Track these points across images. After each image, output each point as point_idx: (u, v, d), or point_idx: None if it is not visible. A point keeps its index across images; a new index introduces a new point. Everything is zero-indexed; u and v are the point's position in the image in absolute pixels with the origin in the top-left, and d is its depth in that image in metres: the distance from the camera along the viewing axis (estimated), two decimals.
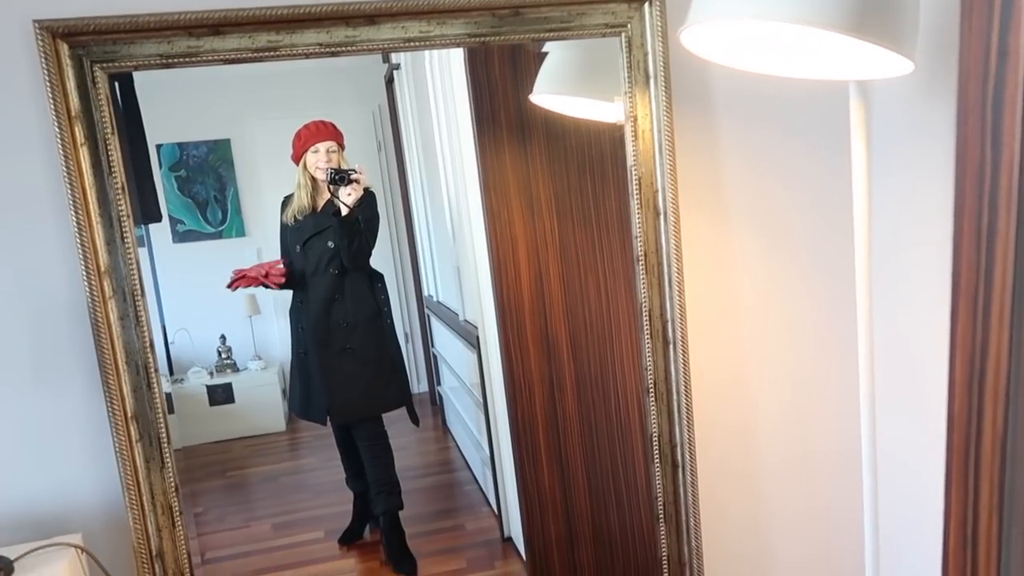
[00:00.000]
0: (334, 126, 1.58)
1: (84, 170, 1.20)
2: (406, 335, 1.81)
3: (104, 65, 1.20)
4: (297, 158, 1.59)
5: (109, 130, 1.21)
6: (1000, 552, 0.63)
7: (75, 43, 1.19)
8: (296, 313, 1.65)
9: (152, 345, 1.26)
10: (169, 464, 1.28)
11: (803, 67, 1.24)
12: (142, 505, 1.26)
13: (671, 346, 1.46)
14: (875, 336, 1.54)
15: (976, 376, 0.62)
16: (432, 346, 1.87)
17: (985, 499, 0.63)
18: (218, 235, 1.68)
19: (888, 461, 1.60)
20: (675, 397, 1.48)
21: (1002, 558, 0.63)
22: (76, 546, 1.22)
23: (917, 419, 1.52)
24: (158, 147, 1.61)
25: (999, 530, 0.63)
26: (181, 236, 1.66)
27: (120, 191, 1.22)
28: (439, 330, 1.84)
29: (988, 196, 0.59)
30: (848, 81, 1.21)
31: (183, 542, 1.30)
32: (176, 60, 1.23)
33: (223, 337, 1.73)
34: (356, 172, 1.57)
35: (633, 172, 1.42)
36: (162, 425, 1.27)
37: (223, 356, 1.74)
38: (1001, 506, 0.62)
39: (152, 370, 1.25)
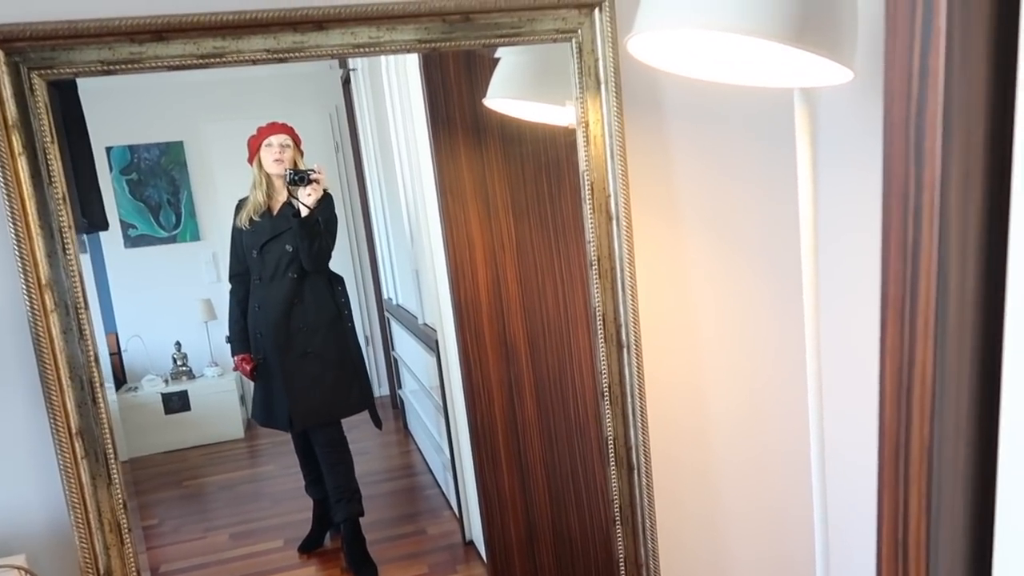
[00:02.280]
0: (287, 124, 1.56)
1: (23, 180, 1.17)
2: (366, 338, 1.80)
3: (42, 72, 1.17)
4: (252, 158, 1.57)
5: (49, 139, 1.18)
6: (928, 555, 0.66)
7: (11, 49, 1.15)
8: (254, 318, 1.62)
9: (97, 359, 1.23)
10: (116, 480, 1.26)
11: (748, 75, 1.26)
12: (88, 523, 1.24)
13: (625, 350, 1.47)
14: (822, 338, 1.57)
15: (904, 388, 0.64)
16: (392, 349, 1.86)
17: (914, 507, 0.65)
18: (172, 239, 1.65)
19: (836, 459, 1.63)
20: (629, 400, 1.49)
21: (930, 561, 0.66)
22: (20, 567, 1.19)
23: (863, 418, 1.55)
24: (108, 149, 1.57)
25: (927, 536, 0.65)
26: (133, 241, 1.62)
27: (61, 201, 1.19)
28: (399, 333, 1.83)
29: (912, 213, 0.61)
30: (793, 88, 1.23)
31: (132, 559, 1.27)
32: (118, 67, 1.20)
33: (178, 344, 1.70)
34: (315, 172, 1.55)
35: (585, 177, 1.42)
36: (108, 441, 1.24)
37: (178, 363, 1.71)
38: (929, 513, 0.64)
39: (97, 384, 1.23)
